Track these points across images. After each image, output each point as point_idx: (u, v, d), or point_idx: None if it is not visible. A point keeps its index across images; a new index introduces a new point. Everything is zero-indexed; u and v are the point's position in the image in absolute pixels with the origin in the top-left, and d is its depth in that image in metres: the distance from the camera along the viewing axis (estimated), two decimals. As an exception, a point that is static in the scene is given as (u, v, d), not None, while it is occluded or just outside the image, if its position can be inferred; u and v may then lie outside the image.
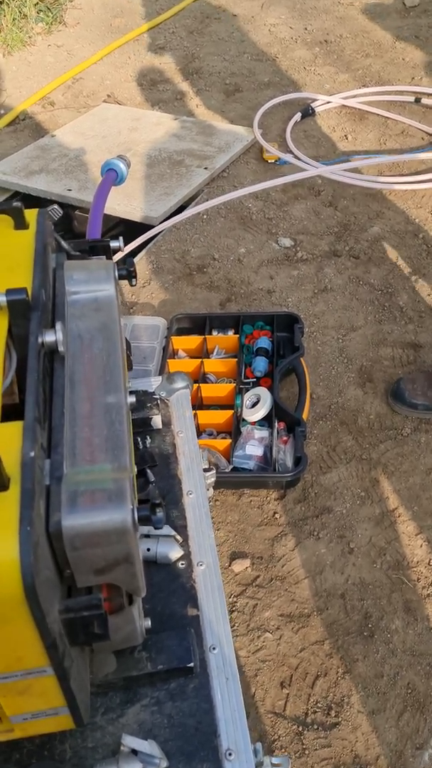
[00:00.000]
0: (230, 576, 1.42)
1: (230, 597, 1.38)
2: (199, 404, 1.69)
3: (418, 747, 1.17)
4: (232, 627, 1.33)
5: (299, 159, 2.54)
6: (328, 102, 2.91)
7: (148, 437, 1.03)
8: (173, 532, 0.90)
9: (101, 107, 2.92)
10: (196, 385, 1.69)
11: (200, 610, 0.84)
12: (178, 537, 0.90)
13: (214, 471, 1.03)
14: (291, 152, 2.61)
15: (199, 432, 1.65)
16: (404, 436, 1.67)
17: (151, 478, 0.97)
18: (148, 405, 1.03)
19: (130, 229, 2.30)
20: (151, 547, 0.88)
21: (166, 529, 0.90)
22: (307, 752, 1.17)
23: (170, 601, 0.86)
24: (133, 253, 2.21)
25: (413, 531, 1.48)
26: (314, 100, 2.93)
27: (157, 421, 1.03)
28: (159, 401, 1.06)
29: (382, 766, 1.16)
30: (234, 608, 1.36)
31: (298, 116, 2.82)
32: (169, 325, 1.86)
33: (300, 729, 1.20)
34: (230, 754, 0.72)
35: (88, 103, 3.04)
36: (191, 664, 0.77)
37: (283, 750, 1.18)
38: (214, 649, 0.81)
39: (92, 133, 2.70)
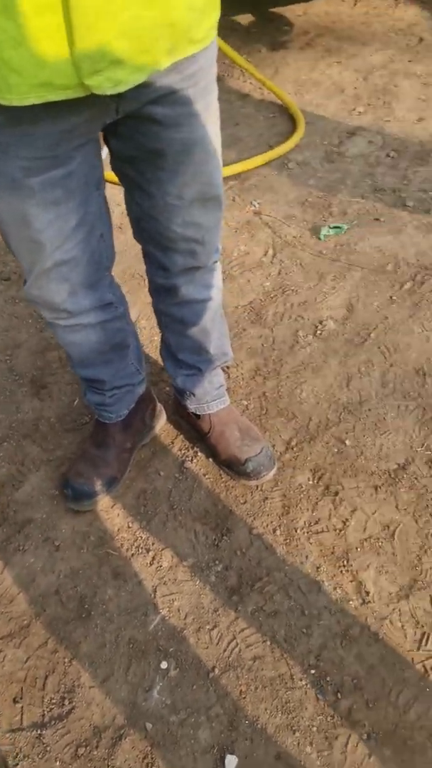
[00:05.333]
0: None
1: None
2: None
3: (147, 689, 1.26)
4: None
5: None
6: None
7: None
8: None
9: None
10: None
11: None
12: None
13: None
14: None
15: None
16: (83, 423, 1.75)
17: None
18: None
19: None
20: None
21: None
22: (49, 749, 1.20)
23: None
24: None
25: (108, 504, 1.57)
26: None
27: None
28: None
29: (119, 722, 1.22)
30: None
31: None
32: None
33: (39, 732, 1.23)
34: None
35: None
36: None
37: (27, 758, 1.20)
38: None
39: None
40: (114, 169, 1.18)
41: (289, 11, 3.69)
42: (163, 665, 1.29)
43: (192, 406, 1.60)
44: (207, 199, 1.18)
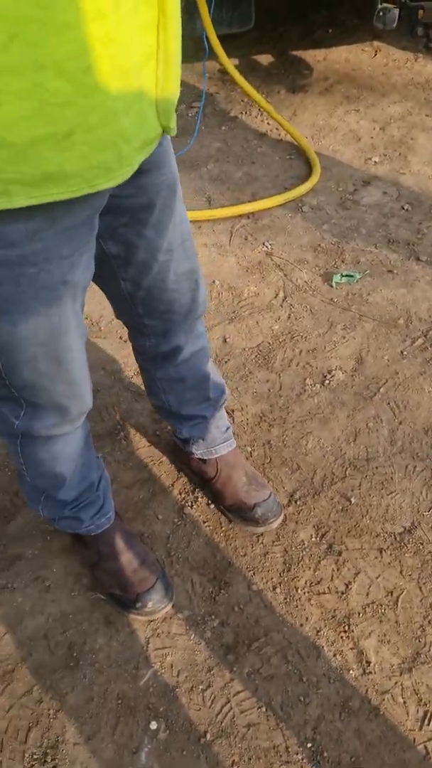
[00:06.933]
0: None
1: None
2: None
3: (134, 751, 1.20)
4: None
5: None
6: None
7: None
8: None
9: None
10: None
11: None
12: None
13: None
14: None
15: None
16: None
17: None
18: None
19: None
20: None
21: None
22: (27, 811, 1.14)
23: None
24: None
25: (104, 546, 1.51)
26: None
27: None
28: None
29: (103, 787, 1.16)
30: None
31: None
32: None
33: (17, 790, 1.16)
34: None
35: None
36: None
37: None
38: None
39: None
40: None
41: (310, 55, 3.74)
42: (153, 725, 1.23)
43: (199, 451, 1.56)
44: (187, 239, 1.15)
